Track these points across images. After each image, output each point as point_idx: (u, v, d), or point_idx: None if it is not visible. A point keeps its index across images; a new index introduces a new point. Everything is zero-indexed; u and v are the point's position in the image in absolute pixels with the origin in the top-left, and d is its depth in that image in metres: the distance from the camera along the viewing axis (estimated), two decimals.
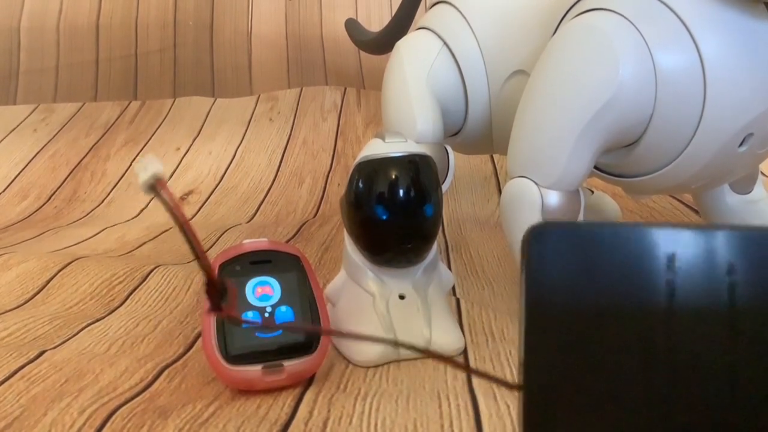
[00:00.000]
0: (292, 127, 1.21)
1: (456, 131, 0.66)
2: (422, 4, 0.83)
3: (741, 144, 0.48)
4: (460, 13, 0.64)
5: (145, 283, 0.65)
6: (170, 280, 0.66)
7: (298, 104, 1.26)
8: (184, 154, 1.16)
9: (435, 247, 0.49)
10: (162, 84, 1.33)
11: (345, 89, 1.28)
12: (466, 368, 0.38)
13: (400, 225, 0.46)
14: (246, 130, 1.21)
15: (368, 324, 0.47)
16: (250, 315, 0.43)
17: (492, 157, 1.04)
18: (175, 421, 0.39)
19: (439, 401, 0.40)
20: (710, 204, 0.62)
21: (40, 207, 1.06)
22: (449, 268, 0.66)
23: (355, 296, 0.48)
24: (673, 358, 0.24)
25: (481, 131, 0.65)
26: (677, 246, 0.24)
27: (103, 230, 0.91)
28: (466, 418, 0.39)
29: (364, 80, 1.29)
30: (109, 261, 0.71)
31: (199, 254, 0.33)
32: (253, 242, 0.45)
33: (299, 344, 0.43)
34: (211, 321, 0.42)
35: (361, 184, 0.46)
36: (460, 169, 0.93)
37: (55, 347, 0.51)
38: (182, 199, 1.05)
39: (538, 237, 0.24)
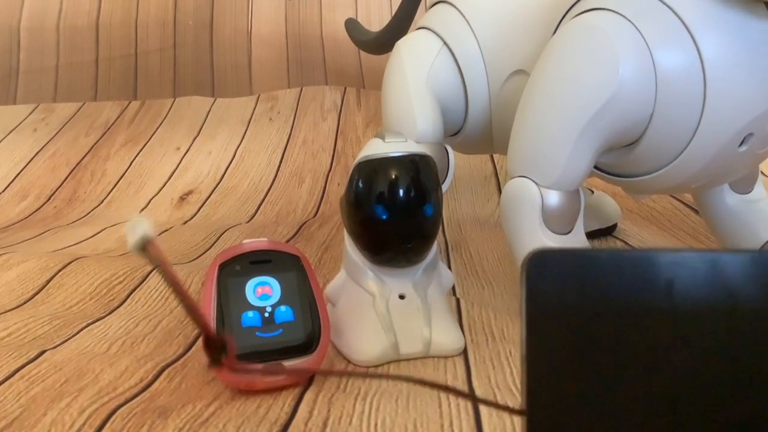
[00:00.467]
0: (292, 127, 1.21)
1: (456, 131, 0.66)
2: (422, 4, 0.83)
3: (741, 144, 0.48)
4: (460, 12, 0.64)
5: (145, 282, 0.65)
6: None
7: (298, 104, 1.26)
8: (184, 154, 1.16)
9: (435, 246, 0.49)
10: (162, 84, 1.33)
11: (345, 89, 1.28)
12: (471, 397, 0.39)
13: (400, 225, 0.46)
14: (246, 130, 1.21)
15: (368, 324, 0.47)
16: (250, 315, 0.43)
17: (492, 156, 1.04)
18: (175, 420, 0.39)
19: (439, 401, 0.40)
20: (710, 204, 0.62)
21: (40, 207, 1.06)
22: (449, 267, 0.66)
23: (355, 296, 0.48)
24: (675, 381, 0.24)
25: (481, 131, 0.65)
26: (676, 271, 0.24)
27: (103, 230, 0.91)
28: (466, 417, 0.39)
29: (364, 80, 1.29)
30: (109, 261, 0.71)
31: (193, 312, 0.33)
32: (253, 242, 0.45)
33: (299, 344, 0.43)
34: (212, 321, 0.42)
35: (361, 184, 0.46)
36: (460, 169, 0.93)
37: (55, 347, 0.51)
38: (182, 198, 1.05)
39: (537, 263, 0.24)
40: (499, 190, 0.96)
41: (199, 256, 0.77)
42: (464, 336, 0.49)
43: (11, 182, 1.12)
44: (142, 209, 1.03)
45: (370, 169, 0.46)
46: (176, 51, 1.34)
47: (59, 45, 1.35)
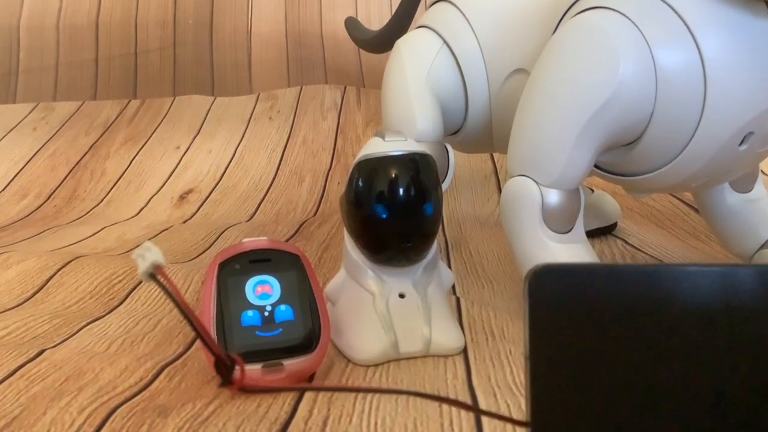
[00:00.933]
0: (291, 126, 1.20)
1: (456, 130, 0.66)
2: (422, 3, 0.83)
3: (741, 143, 0.48)
4: (460, 11, 0.64)
5: (144, 282, 0.65)
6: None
7: (297, 103, 1.26)
8: (184, 153, 1.16)
9: (435, 245, 0.49)
10: (162, 82, 1.33)
11: (345, 88, 1.28)
12: (475, 409, 0.39)
13: (400, 224, 0.46)
14: (246, 129, 1.21)
15: (368, 323, 0.47)
16: (249, 314, 0.43)
17: (492, 155, 1.04)
18: (174, 420, 0.39)
19: (438, 401, 0.40)
20: (710, 202, 0.62)
21: (40, 206, 1.06)
22: (449, 266, 0.66)
23: (355, 295, 0.48)
24: (676, 392, 0.24)
25: (481, 130, 0.65)
26: (676, 285, 0.25)
27: (102, 229, 0.91)
28: (466, 417, 0.38)
29: (364, 79, 1.29)
30: (108, 260, 0.71)
31: (204, 336, 0.33)
32: (253, 241, 0.45)
33: (299, 343, 0.43)
34: (211, 320, 0.42)
35: (361, 183, 0.46)
36: (460, 168, 0.93)
37: (54, 346, 0.51)
38: (182, 197, 1.05)
39: (540, 278, 0.25)
40: (499, 189, 0.96)
41: (198, 255, 0.77)
42: (464, 335, 0.49)
43: (11, 181, 1.12)
44: (142, 208, 1.03)
45: (370, 168, 0.46)
46: (176, 50, 1.34)
47: (59, 44, 1.35)
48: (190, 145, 1.18)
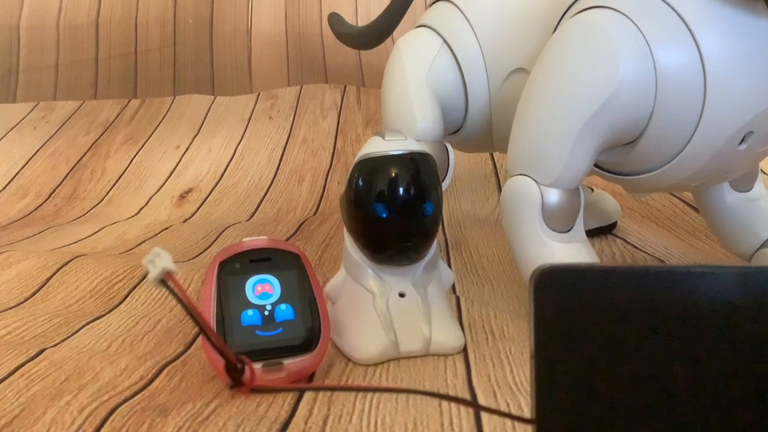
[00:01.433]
0: (291, 125, 1.20)
1: (456, 129, 0.66)
2: (422, 3, 0.83)
3: (741, 142, 0.48)
4: (461, 11, 0.64)
5: (144, 281, 0.65)
6: None
7: (297, 102, 1.26)
8: (184, 152, 1.16)
9: (435, 245, 0.49)
10: (162, 82, 1.33)
11: (345, 87, 1.28)
12: (476, 405, 0.39)
13: (400, 223, 0.46)
14: (246, 128, 1.21)
15: (368, 322, 0.47)
16: (249, 313, 0.43)
17: (492, 155, 1.04)
18: (174, 419, 0.39)
19: (438, 399, 0.40)
20: (710, 202, 0.62)
21: (40, 205, 1.06)
22: (449, 266, 0.66)
23: (355, 294, 0.48)
24: (681, 392, 0.25)
25: (481, 129, 0.65)
26: (679, 286, 0.25)
27: (102, 228, 0.91)
28: (466, 416, 0.39)
29: (364, 78, 1.29)
30: (108, 259, 0.71)
31: (214, 341, 0.33)
32: (253, 240, 0.45)
33: (299, 342, 0.43)
34: (211, 319, 0.42)
35: (361, 182, 0.46)
36: (460, 168, 0.93)
37: (54, 345, 0.51)
38: (182, 197, 1.05)
39: (544, 279, 0.25)
40: (499, 189, 0.96)
41: (198, 255, 0.77)
42: (464, 334, 0.49)
43: (11, 180, 1.12)
44: (142, 207, 1.03)
45: (370, 167, 0.46)
46: (176, 49, 1.34)
47: (59, 43, 1.35)
48: (190, 145, 1.18)
